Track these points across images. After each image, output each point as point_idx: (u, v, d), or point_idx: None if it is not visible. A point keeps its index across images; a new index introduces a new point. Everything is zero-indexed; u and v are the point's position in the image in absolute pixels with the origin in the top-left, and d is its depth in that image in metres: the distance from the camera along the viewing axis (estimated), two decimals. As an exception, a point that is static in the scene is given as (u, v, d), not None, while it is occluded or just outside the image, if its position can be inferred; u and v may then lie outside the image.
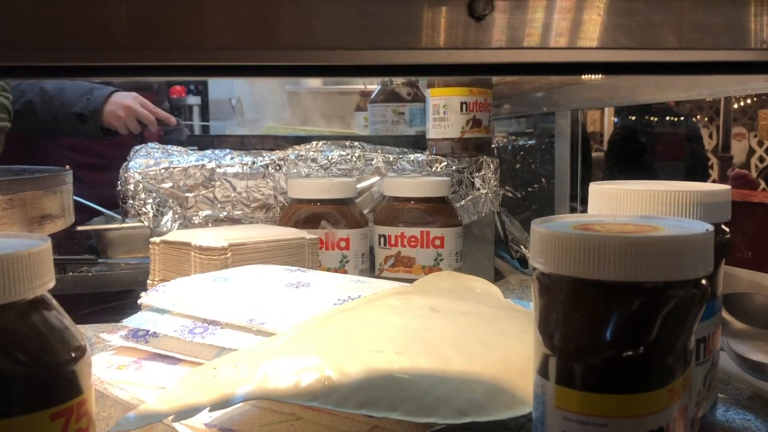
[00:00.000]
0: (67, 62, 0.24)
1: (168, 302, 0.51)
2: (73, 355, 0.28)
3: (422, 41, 0.25)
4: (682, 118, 2.72)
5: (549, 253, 0.29)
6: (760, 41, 0.26)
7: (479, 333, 0.42)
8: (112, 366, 0.49)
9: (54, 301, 0.29)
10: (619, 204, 0.39)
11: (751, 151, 3.74)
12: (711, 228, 0.30)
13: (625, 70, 0.28)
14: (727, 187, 0.40)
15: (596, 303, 0.28)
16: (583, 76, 1.01)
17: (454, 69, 0.27)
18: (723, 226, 0.39)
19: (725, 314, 0.54)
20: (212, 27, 0.24)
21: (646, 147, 2.54)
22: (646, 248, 0.27)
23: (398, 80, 1.23)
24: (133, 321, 0.51)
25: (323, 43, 0.24)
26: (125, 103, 1.39)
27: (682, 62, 0.27)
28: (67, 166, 0.70)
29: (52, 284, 0.29)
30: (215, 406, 0.36)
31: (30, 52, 0.23)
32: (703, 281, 0.29)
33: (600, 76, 0.96)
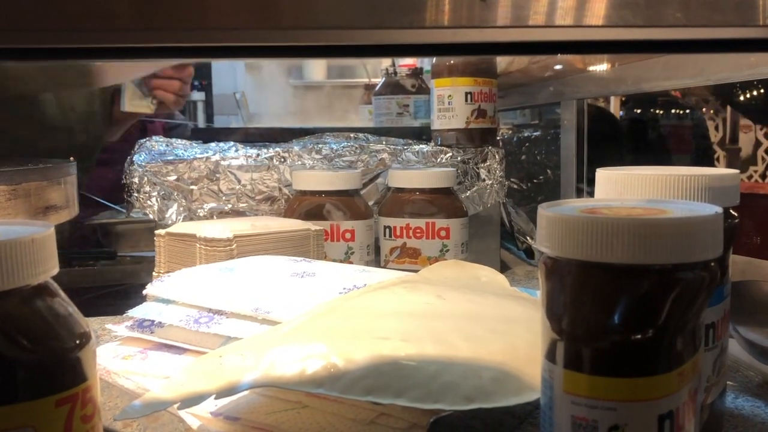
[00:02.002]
0: (68, 44, 0.24)
1: (173, 292, 0.51)
2: (77, 341, 0.28)
3: (427, 20, 0.24)
4: (687, 111, 2.71)
5: (556, 236, 0.29)
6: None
7: (485, 320, 0.42)
8: (117, 356, 0.49)
9: (58, 288, 0.29)
10: (627, 188, 0.38)
11: (758, 143, 3.71)
12: (720, 210, 0.29)
13: (632, 48, 0.28)
14: (736, 171, 0.39)
15: (604, 286, 0.28)
16: (589, 68, 1.01)
17: (459, 48, 0.27)
18: (731, 211, 0.39)
19: (735, 302, 0.53)
20: (214, 7, 0.24)
21: (652, 139, 2.53)
22: (655, 231, 0.27)
23: (402, 72, 1.23)
24: (138, 311, 0.51)
25: (327, 22, 0.24)
26: None
27: (690, 40, 0.26)
28: (71, 158, 0.70)
29: (55, 271, 0.29)
30: (221, 394, 0.35)
31: (30, 34, 0.23)
32: (712, 264, 0.29)
33: (605, 65, 0.96)
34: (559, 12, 0.25)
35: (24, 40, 0.23)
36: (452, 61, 0.84)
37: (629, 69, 0.90)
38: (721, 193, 0.37)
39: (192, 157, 0.83)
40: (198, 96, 2.84)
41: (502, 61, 0.92)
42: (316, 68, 2.18)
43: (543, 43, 0.27)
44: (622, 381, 0.27)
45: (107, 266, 0.95)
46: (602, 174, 0.41)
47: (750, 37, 0.27)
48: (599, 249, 0.27)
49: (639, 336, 0.27)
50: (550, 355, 0.29)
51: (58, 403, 0.27)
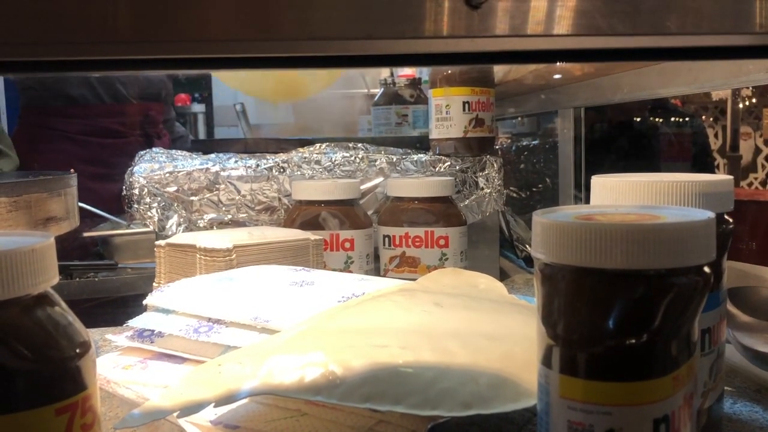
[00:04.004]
0: (68, 57, 0.24)
1: (173, 302, 0.51)
2: (77, 350, 0.28)
3: (420, 30, 0.25)
4: (687, 119, 2.71)
5: (551, 243, 0.29)
6: (760, 25, 0.25)
7: (483, 327, 0.42)
8: (118, 366, 0.49)
9: (59, 298, 0.30)
10: (621, 195, 0.39)
11: (758, 151, 3.71)
12: (712, 215, 0.29)
13: (624, 56, 0.28)
14: (730, 177, 0.40)
15: (599, 291, 0.28)
16: (586, 76, 1.01)
17: (453, 58, 0.27)
18: (726, 216, 0.39)
19: (731, 307, 0.54)
20: (213, 19, 0.24)
21: (652, 147, 2.53)
22: (648, 236, 0.27)
23: (401, 82, 1.23)
24: (138, 321, 0.51)
25: (322, 33, 0.24)
26: None
27: (682, 47, 0.27)
28: (72, 170, 0.71)
29: (55, 280, 0.29)
30: (220, 402, 0.36)
31: (28, 47, 0.23)
32: (706, 269, 0.29)
33: (602, 74, 0.96)
34: (551, 21, 0.25)
35: (24, 53, 0.23)
36: (449, 71, 0.85)
37: (625, 77, 0.90)
38: (714, 199, 0.38)
39: (192, 167, 0.84)
40: (198, 108, 2.85)
41: (499, 71, 0.93)
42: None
43: (536, 52, 0.27)
44: (617, 385, 0.28)
45: (108, 277, 0.96)
46: (597, 181, 0.41)
47: (741, 45, 0.27)
48: (594, 255, 0.28)
49: (633, 340, 0.28)
50: (546, 361, 0.29)
51: (58, 411, 0.27)
